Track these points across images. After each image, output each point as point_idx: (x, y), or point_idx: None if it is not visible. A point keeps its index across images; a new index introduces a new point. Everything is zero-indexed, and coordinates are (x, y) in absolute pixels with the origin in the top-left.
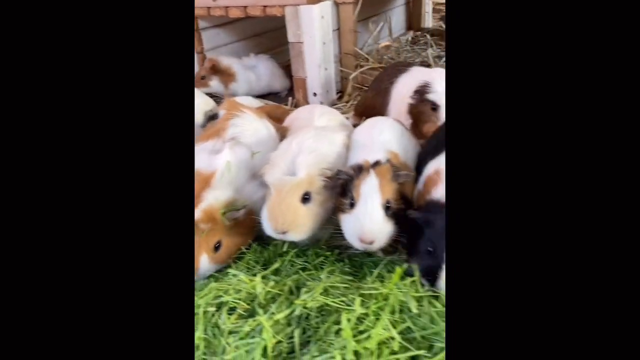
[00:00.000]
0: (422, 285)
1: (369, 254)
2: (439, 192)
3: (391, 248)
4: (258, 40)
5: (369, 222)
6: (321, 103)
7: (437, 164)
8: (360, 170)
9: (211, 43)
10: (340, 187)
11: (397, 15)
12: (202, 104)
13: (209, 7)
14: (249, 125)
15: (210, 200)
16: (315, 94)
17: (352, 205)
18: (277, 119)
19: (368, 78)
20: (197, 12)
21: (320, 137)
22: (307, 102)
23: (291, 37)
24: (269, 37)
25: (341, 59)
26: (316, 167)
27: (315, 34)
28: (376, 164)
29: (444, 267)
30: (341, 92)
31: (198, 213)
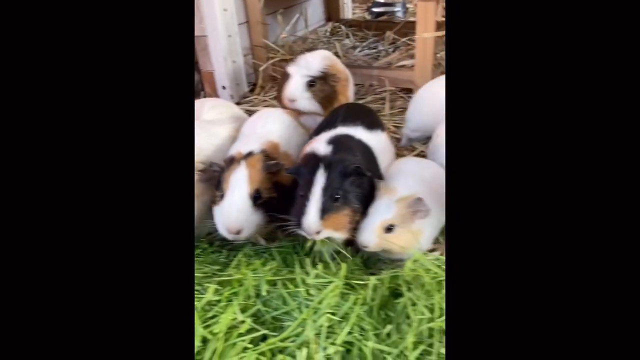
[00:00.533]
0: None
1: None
2: (312, 146)
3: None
4: None
5: (235, 212)
6: (231, 96)
7: (316, 138)
8: (231, 162)
9: None
10: (216, 180)
11: (315, 7)
12: None
13: None
14: None
15: None
16: (224, 87)
17: (222, 197)
18: None
19: (281, 70)
20: None
21: (197, 129)
22: (217, 96)
23: (195, 31)
24: None
25: (253, 51)
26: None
27: (218, 26)
28: (248, 155)
29: (308, 205)
30: (254, 85)
31: None
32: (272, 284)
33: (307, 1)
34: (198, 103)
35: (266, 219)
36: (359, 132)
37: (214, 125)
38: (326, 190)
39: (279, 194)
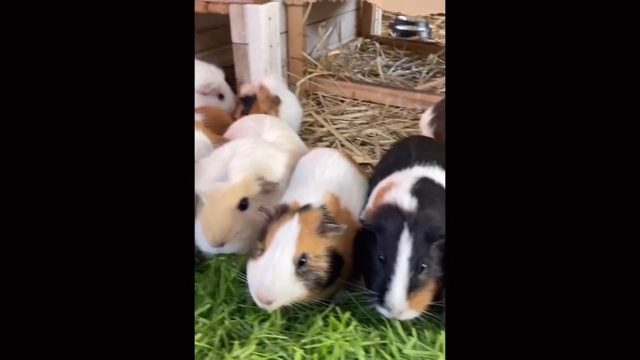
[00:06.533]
0: (370, 306)
1: None
2: (392, 195)
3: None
4: (198, 37)
5: (270, 277)
6: None
7: (389, 179)
8: (283, 211)
9: None
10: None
11: (347, 21)
12: None
13: None
14: None
15: None
16: None
17: (262, 252)
18: (220, 126)
19: (316, 85)
20: None
21: (259, 144)
22: None
23: (235, 38)
24: (211, 34)
25: (288, 63)
26: (252, 171)
27: (261, 36)
28: (305, 208)
29: (394, 280)
30: None
31: None
32: (365, 349)
33: (342, 14)
34: (254, 118)
35: (307, 293)
36: (437, 174)
37: (275, 149)
38: (412, 259)
39: (331, 264)
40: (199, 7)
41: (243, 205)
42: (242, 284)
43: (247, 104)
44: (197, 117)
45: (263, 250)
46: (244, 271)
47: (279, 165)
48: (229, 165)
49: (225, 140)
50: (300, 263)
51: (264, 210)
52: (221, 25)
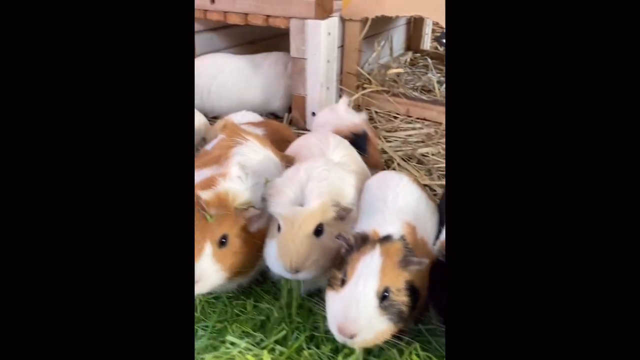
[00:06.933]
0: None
1: None
2: None
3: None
4: (253, 48)
5: (354, 310)
6: None
7: None
8: (364, 241)
9: (203, 47)
10: (339, 258)
11: (398, 35)
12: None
13: (205, 10)
14: (255, 155)
15: (226, 187)
16: (314, 114)
17: (342, 282)
18: (282, 142)
19: (369, 100)
20: None
21: (331, 167)
22: (304, 121)
23: (294, 52)
24: (265, 45)
25: (342, 78)
26: (328, 196)
27: (320, 51)
28: (386, 238)
29: None
30: None
31: (210, 194)
32: None
33: (393, 28)
34: (319, 136)
35: (390, 328)
36: None
37: (344, 171)
38: None
39: (410, 298)
40: (258, 21)
41: (319, 231)
42: (311, 311)
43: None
44: (258, 132)
45: (344, 281)
46: (310, 296)
47: (350, 189)
48: (306, 189)
49: (290, 158)
50: (384, 297)
51: (342, 239)
52: (273, 35)
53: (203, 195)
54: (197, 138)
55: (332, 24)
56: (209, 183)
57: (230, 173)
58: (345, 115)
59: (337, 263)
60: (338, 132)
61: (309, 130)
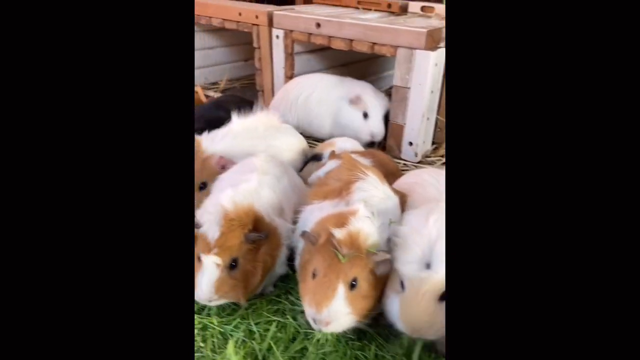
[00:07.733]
0: None
1: None
2: None
3: None
4: (344, 70)
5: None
6: (415, 154)
7: None
8: None
9: (301, 68)
10: None
11: None
12: (297, 142)
13: (310, 34)
14: (376, 192)
15: (357, 226)
16: (410, 144)
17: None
18: (387, 175)
19: None
20: (296, 36)
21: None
22: (399, 150)
23: (397, 81)
24: (356, 67)
25: (439, 109)
26: None
27: (426, 81)
28: None
29: None
30: (436, 144)
31: (343, 233)
32: None
33: None
34: (431, 173)
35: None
36: None
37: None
38: None
39: None
40: (364, 47)
41: (442, 297)
42: None
43: None
44: (365, 162)
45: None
46: None
47: None
48: (436, 248)
49: (403, 195)
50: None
51: None
52: (365, 58)
53: (337, 233)
54: (299, 158)
55: (440, 54)
56: (340, 220)
57: (359, 212)
58: None
59: None
60: None
61: (403, 160)
